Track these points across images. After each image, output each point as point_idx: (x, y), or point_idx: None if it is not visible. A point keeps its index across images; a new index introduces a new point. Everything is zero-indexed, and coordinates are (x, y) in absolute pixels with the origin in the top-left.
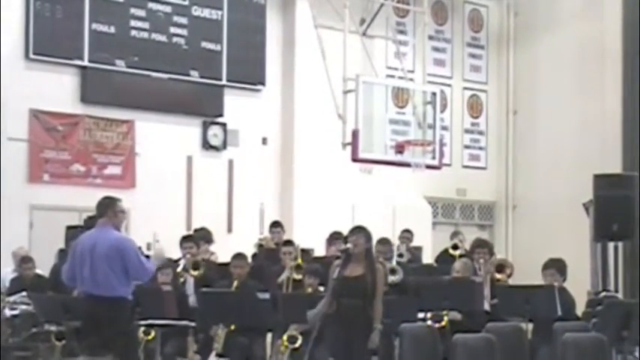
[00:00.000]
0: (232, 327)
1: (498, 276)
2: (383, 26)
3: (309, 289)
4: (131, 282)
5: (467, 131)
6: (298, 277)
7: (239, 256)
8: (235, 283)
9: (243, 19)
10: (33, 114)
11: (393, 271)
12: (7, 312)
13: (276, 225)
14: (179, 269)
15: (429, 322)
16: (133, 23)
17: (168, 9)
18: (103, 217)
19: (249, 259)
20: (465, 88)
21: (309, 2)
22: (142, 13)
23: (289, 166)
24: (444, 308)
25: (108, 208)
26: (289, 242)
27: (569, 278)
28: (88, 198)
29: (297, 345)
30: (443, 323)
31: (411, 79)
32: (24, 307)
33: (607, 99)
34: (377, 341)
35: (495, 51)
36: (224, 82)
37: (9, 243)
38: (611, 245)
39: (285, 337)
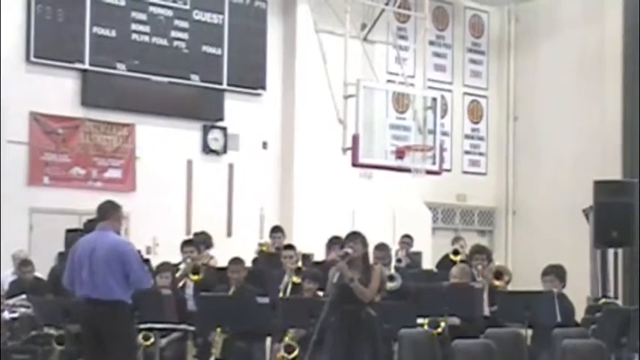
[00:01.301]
0: (229, 334)
1: (496, 283)
2: (384, 31)
3: (308, 294)
4: (130, 286)
5: (467, 137)
6: (298, 280)
7: (235, 261)
8: (232, 289)
9: (244, 24)
10: (33, 117)
11: (391, 278)
12: (7, 315)
13: (276, 230)
14: (178, 274)
15: (426, 328)
16: (134, 27)
17: (169, 13)
18: (105, 219)
19: (250, 264)
20: (466, 94)
21: (310, 7)
22: (143, 16)
23: (289, 170)
24: (443, 314)
25: (113, 211)
26: (290, 247)
27: (569, 284)
28: (87, 201)
29: (293, 355)
30: (439, 330)
31: (412, 85)
32: (23, 310)
33: (607, 105)
34: (346, 274)
35: (496, 57)
36: (224, 86)
37: (9, 246)
38: (610, 252)
39: (282, 347)
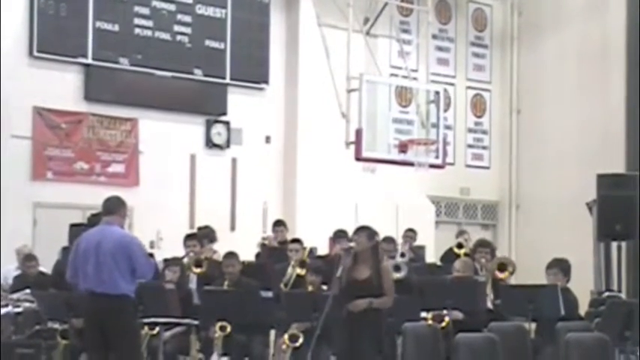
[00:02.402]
0: (229, 329)
1: (500, 275)
2: (387, 25)
3: (311, 287)
4: (135, 279)
5: (470, 130)
6: (301, 272)
7: (230, 256)
8: (227, 282)
9: (247, 18)
10: (37, 112)
11: (397, 268)
12: (11, 309)
13: (278, 224)
14: None
15: (431, 322)
16: (136, 21)
17: (172, 7)
18: (111, 214)
19: (253, 258)
20: (469, 88)
21: (313, 1)
22: (145, 11)
23: (292, 164)
24: (446, 307)
25: (120, 207)
26: (297, 240)
27: (572, 278)
28: (91, 196)
29: (298, 344)
30: (443, 324)
31: (415, 78)
32: (27, 304)
33: (611, 98)
34: (359, 306)
35: (499, 50)
36: (228, 80)
37: (12, 240)
38: (614, 245)
39: (286, 337)
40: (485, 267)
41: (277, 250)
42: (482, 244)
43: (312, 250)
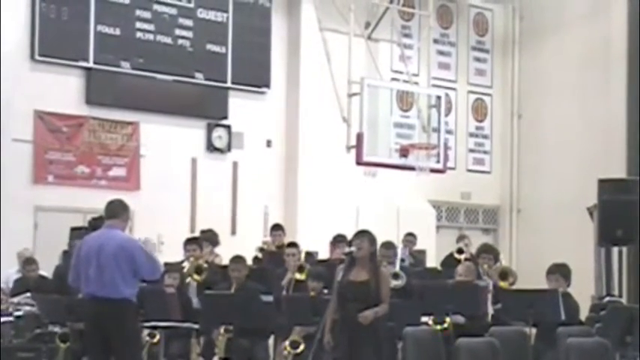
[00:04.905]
0: (233, 333)
1: (501, 283)
2: (388, 29)
3: (313, 293)
4: (137, 283)
5: (471, 135)
6: (301, 277)
7: (237, 259)
8: (234, 286)
9: (248, 22)
10: (38, 115)
11: (395, 276)
12: (11, 313)
13: (276, 228)
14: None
15: (431, 324)
16: (138, 25)
17: (173, 11)
18: (114, 218)
19: (251, 263)
20: (470, 92)
21: (315, 5)
22: (147, 14)
23: (294, 168)
24: (447, 312)
25: (123, 211)
26: (293, 244)
27: (573, 283)
28: (92, 199)
29: (299, 350)
30: (445, 325)
31: (416, 83)
32: (28, 308)
33: (612, 103)
34: (369, 318)
35: (500, 55)
36: (229, 84)
37: (13, 244)
38: (615, 250)
39: (287, 343)
40: (487, 273)
41: (276, 255)
42: (485, 250)
43: (310, 254)
